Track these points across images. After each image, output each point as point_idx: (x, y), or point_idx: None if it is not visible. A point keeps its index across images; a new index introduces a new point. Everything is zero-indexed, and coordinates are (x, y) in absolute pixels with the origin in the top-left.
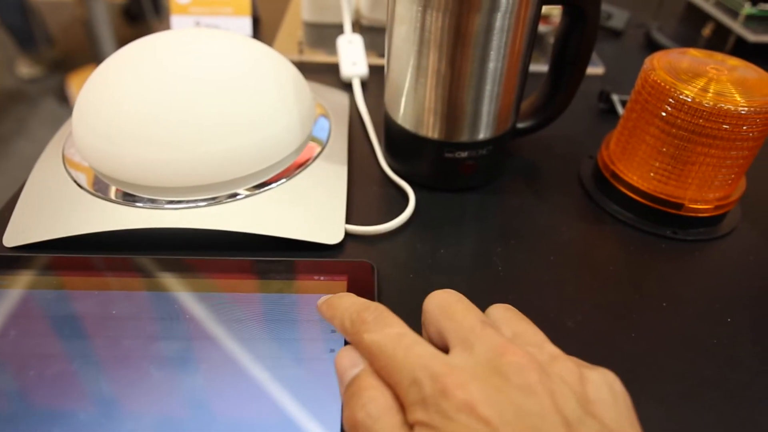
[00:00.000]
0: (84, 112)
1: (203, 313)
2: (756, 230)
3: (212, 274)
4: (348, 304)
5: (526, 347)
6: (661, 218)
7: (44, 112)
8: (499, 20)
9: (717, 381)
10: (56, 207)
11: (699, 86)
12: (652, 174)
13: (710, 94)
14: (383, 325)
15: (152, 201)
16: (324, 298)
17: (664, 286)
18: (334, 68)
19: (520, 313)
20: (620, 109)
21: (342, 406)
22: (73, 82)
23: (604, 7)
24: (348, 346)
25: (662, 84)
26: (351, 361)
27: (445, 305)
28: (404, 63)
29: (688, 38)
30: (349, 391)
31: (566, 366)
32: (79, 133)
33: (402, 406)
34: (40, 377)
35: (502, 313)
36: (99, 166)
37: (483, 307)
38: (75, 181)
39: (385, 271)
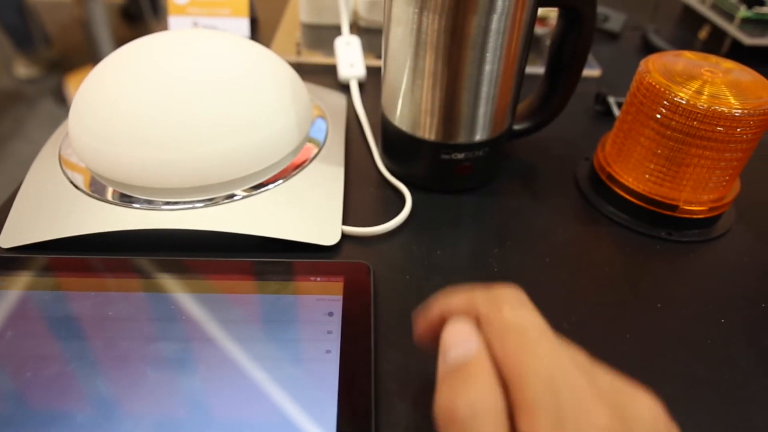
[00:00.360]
0: (81, 113)
1: (200, 314)
2: (750, 232)
3: (209, 275)
4: (473, 288)
5: None
6: (656, 220)
7: (42, 113)
8: (496, 22)
9: (712, 381)
10: (53, 208)
11: (693, 89)
12: (647, 176)
13: (705, 97)
14: (528, 310)
15: (149, 202)
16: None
17: (659, 288)
18: (331, 70)
19: None
20: (616, 111)
21: (439, 380)
22: (71, 82)
23: (601, 10)
24: (463, 318)
25: (657, 86)
26: (464, 335)
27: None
28: (401, 65)
29: (684, 41)
30: (456, 371)
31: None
32: (75, 133)
33: (511, 404)
34: (37, 378)
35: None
36: (96, 166)
37: None
38: (72, 182)
39: (381, 273)
